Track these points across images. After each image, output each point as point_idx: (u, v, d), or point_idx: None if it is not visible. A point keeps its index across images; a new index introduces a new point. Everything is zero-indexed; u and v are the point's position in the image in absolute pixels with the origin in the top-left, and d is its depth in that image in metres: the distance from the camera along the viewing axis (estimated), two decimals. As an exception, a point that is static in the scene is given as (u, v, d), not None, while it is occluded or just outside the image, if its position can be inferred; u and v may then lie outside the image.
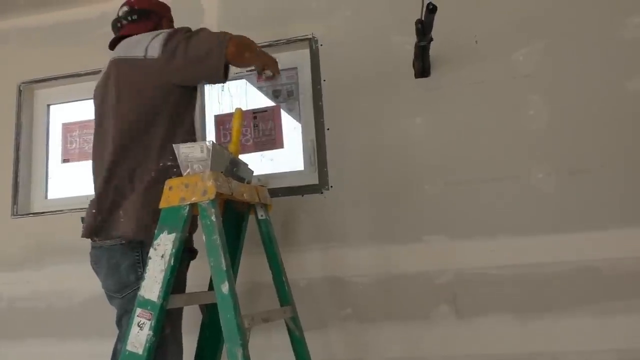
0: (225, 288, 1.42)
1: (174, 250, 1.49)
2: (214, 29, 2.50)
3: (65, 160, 2.68)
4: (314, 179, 2.33)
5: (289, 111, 2.51)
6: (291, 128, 2.47)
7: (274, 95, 2.54)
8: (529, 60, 2.16)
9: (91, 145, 2.59)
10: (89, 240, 2.32)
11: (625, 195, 2.01)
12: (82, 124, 2.69)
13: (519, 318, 2.02)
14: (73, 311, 2.42)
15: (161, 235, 1.51)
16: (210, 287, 1.85)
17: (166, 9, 1.95)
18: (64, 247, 2.46)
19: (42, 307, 2.45)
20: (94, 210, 1.67)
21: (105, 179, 1.67)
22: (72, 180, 2.66)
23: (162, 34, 1.66)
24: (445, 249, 2.12)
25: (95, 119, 1.82)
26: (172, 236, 1.50)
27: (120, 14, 1.86)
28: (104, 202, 1.67)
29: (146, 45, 1.64)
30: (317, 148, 2.31)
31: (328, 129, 2.31)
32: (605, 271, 1.97)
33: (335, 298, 2.19)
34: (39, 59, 2.69)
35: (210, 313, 1.85)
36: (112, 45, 1.86)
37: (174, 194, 1.53)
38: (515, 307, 2.02)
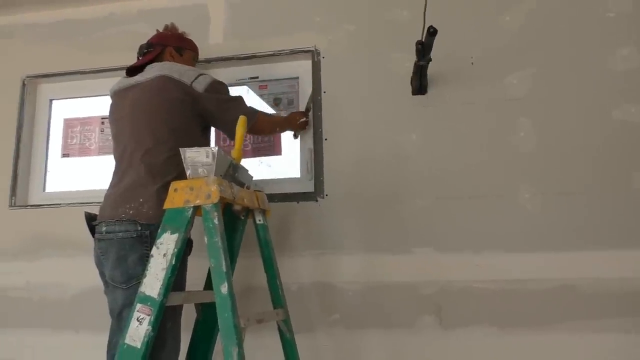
0: (224, 289, 1.48)
1: (176, 250, 1.55)
2: (220, 37, 2.60)
3: (65, 155, 2.72)
4: (309, 187, 2.39)
5: (288, 120, 2.58)
6: (289, 135, 2.54)
7: (275, 103, 2.60)
8: (522, 84, 2.26)
9: (92, 142, 2.72)
10: (84, 235, 2.39)
11: (605, 219, 2.10)
12: (83, 121, 2.74)
13: (501, 331, 2.10)
14: (65, 304, 2.45)
15: (164, 234, 1.57)
16: (206, 287, 1.92)
17: (168, 39, 2.21)
18: (59, 240, 2.51)
19: (35, 299, 2.48)
20: (118, 197, 1.83)
21: (133, 169, 1.84)
22: (70, 175, 2.70)
23: (208, 76, 2.03)
24: (433, 261, 2.20)
25: (119, 114, 2.03)
26: (175, 236, 1.56)
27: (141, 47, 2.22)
28: (128, 191, 1.81)
29: (192, 78, 1.97)
30: (315, 157, 2.38)
31: (326, 139, 2.39)
32: (584, 290, 2.06)
33: (324, 303, 2.25)
34: (44, 55, 2.74)
35: (204, 312, 1.91)
36: (131, 69, 2.15)
37: (179, 196, 1.59)
38: (498, 321, 2.10)
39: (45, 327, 2.45)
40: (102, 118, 2.71)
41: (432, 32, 1.83)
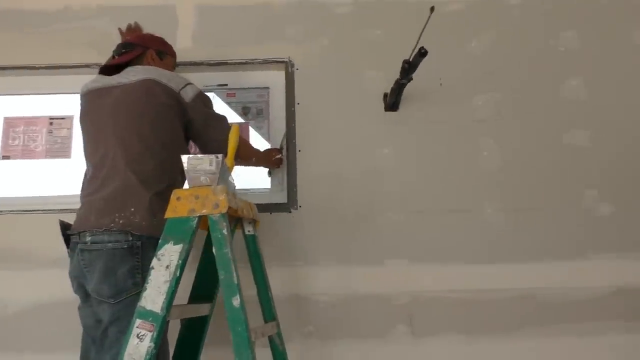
0: (236, 301, 1.43)
1: (180, 262, 1.47)
2: (189, 41, 2.51)
3: (5, 157, 2.46)
4: (281, 198, 2.38)
5: (258, 129, 2.55)
6: (259, 146, 2.50)
7: (243, 112, 2.56)
8: (486, 107, 2.42)
9: (37, 143, 2.48)
10: (29, 246, 2.24)
11: (558, 233, 2.30)
12: (28, 120, 2.50)
13: (468, 338, 2.21)
14: (6, 322, 2.20)
15: (166, 245, 1.49)
16: (190, 300, 1.83)
17: (150, 41, 2.11)
18: (-4, 252, 2.26)
19: (-33, 317, 2.21)
20: (103, 205, 1.68)
21: (118, 176, 1.71)
22: (10, 179, 2.44)
23: (195, 87, 1.97)
24: (404, 273, 2.27)
25: (97, 115, 1.87)
26: (179, 247, 1.48)
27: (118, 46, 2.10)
28: (115, 199, 1.68)
29: (181, 86, 1.91)
30: (289, 168, 2.37)
31: (300, 151, 2.39)
32: (542, 298, 2.24)
33: (298, 315, 2.24)
34: (-16, 44, 2.47)
35: (187, 326, 1.82)
36: (106, 68, 2.04)
37: (182, 205, 1.51)
38: (465, 329, 2.22)
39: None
40: (51, 118, 2.49)
41: (422, 53, 1.92)
